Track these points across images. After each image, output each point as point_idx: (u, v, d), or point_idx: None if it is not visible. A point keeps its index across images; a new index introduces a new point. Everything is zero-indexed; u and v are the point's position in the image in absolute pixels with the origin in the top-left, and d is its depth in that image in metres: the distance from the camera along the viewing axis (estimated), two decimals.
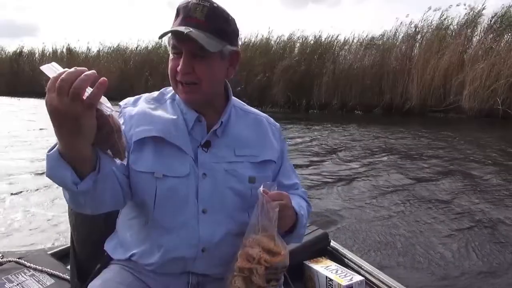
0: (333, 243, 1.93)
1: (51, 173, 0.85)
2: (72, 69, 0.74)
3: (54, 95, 0.74)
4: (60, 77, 0.73)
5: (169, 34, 1.03)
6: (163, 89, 1.21)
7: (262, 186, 1.00)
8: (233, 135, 1.14)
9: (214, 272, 1.10)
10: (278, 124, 1.29)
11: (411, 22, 15.12)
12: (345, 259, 1.84)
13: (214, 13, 1.03)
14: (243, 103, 1.27)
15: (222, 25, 1.05)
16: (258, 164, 1.15)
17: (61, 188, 0.91)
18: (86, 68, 0.75)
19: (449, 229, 3.41)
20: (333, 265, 1.73)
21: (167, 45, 1.08)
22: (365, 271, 1.75)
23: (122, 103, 1.16)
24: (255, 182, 1.10)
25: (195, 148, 1.09)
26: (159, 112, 1.11)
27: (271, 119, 1.29)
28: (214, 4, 1.03)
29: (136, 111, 1.11)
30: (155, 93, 1.20)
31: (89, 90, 0.74)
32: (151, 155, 1.05)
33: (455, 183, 4.82)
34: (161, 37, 1.02)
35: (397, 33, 15.44)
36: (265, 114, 1.29)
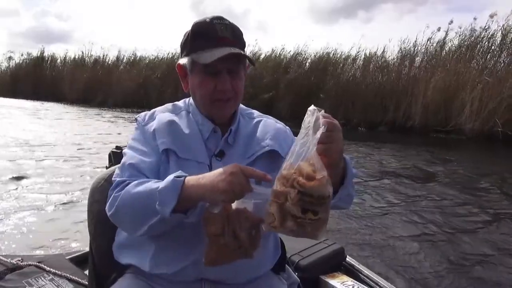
0: (348, 258, 1.88)
1: (163, 192, 0.94)
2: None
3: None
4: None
5: (192, 58, 1.09)
6: (174, 102, 1.25)
7: (312, 106, 0.92)
8: (243, 139, 1.17)
9: (226, 278, 1.09)
10: (288, 127, 1.30)
11: (415, 42, 14.94)
12: (361, 275, 1.79)
13: (235, 30, 1.11)
14: (251, 110, 1.31)
15: (243, 40, 1.14)
16: (268, 158, 1.14)
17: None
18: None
19: (461, 250, 3.34)
20: (350, 281, 1.69)
21: (186, 66, 1.13)
22: (381, 287, 1.70)
23: (140, 119, 1.19)
24: (261, 184, 1.08)
25: (210, 158, 1.11)
26: (176, 125, 1.15)
27: (280, 121, 1.31)
28: (229, 21, 1.11)
29: (156, 125, 1.14)
30: (169, 105, 1.24)
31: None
32: (175, 167, 1.07)
33: (469, 207, 4.66)
34: (214, 62, 1.04)
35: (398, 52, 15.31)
36: (273, 118, 1.31)
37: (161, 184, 0.95)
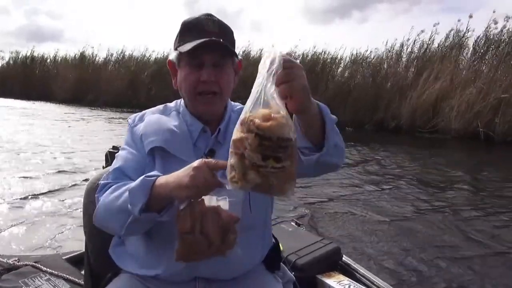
0: (345, 258, 1.89)
1: (132, 191, 0.93)
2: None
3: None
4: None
5: (178, 50, 1.07)
6: (165, 104, 1.24)
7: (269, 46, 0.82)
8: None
9: (220, 275, 1.09)
10: None
11: (402, 43, 14.97)
12: (357, 274, 1.80)
13: (223, 26, 1.10)
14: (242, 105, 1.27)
15: (231, 37, 1.12)
16: None
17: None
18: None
19: (457, 249, 3.36)
20: (346, 280, 1.70)
21: (174, 61, 1.12)
22: (377, 287, 1.70)
23: (130, 120, 1.19)
24: None
25: (199, 157, 1.06)
26: (165, 125, 1.13)
27: None
28: (218, 18, 1.10)
29: (144, 125, 1.14)
30: (160, 107, 1.23)
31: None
32: (160, 167, 1.06)
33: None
34: (192, 49, 1.03)
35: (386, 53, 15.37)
36: None
37: (133, 183, 0.95)
